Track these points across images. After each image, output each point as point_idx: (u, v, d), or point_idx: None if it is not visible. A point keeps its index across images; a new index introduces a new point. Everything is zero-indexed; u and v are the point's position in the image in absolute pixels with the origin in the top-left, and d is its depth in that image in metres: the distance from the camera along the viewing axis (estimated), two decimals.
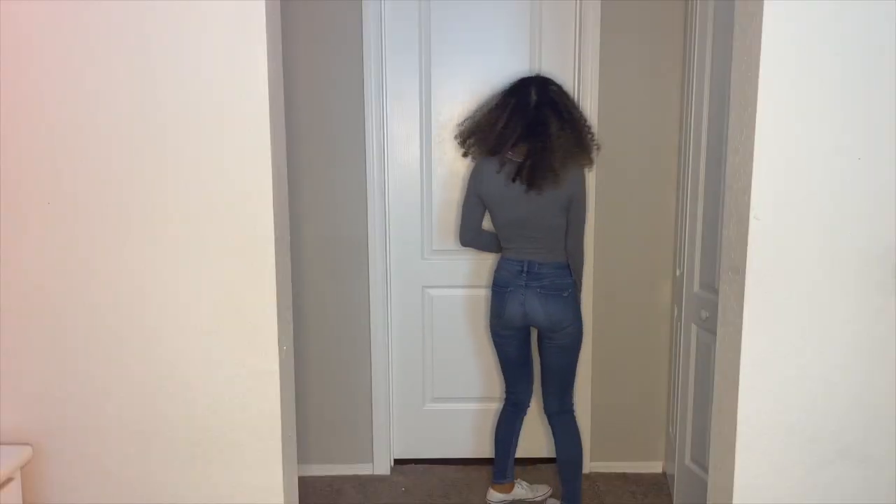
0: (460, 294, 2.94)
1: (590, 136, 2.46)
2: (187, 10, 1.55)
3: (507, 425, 2.67)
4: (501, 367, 2.66)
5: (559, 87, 2.43)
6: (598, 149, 2.53)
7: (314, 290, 2.88)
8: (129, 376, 1.69)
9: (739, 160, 1.55)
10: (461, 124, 2.57)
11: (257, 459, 1.71)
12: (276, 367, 1.67)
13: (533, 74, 2.51)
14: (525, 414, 2.67)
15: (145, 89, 1.58)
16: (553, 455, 2.64)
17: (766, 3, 1.43)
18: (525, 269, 2.42)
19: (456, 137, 2.61)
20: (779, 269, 1.52)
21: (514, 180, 2.34)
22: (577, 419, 2.58)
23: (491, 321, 2.56)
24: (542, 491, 2.79)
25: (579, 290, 2.49)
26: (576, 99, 2.79)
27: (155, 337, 1.67)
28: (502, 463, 2.69)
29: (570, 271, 2.43)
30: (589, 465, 3.00)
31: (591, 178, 2.80)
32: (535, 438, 2.97)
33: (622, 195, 2.83)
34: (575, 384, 2.56)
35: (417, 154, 2.88)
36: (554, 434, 2.57)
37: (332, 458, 3.00)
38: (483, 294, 2.86)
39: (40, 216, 1.63)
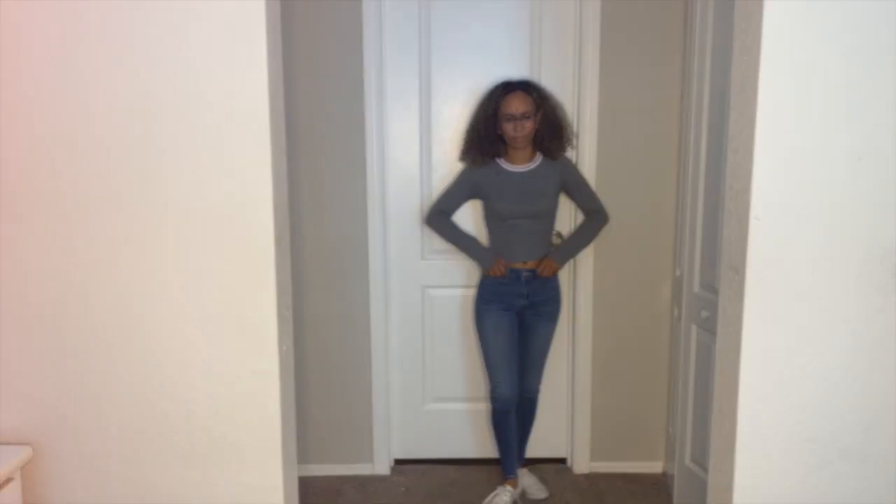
0: (460, 294, 2.94)
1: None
2: (188, 10, 1.55)
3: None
4: None
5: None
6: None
7: (314, 290, 2.88)
8: (128, 376, 1.69)
9: (739, 160, 1.55)
10: None
11: (257, 460, 1.71)
12: (276, 367, 1.67)
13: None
14: None
15: (145, 89, 1.58)
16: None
17: (766, 2, 1.43)
18: None
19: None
20: (779, 269, 1.52)
21: None
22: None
23: None
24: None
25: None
26: (576, 99, 2.81)
27: (155, 337, 1.67)
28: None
29: None
30: (589, 465, 3.00)
31: (590, 177, 2.81)
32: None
33: (622, 195, 2.83)
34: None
35: (417, 154, 2.88)
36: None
37: (332, 458, 3.00)
38: None
39: (40, 216, 1.63)
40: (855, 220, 1.50)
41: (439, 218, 2.75)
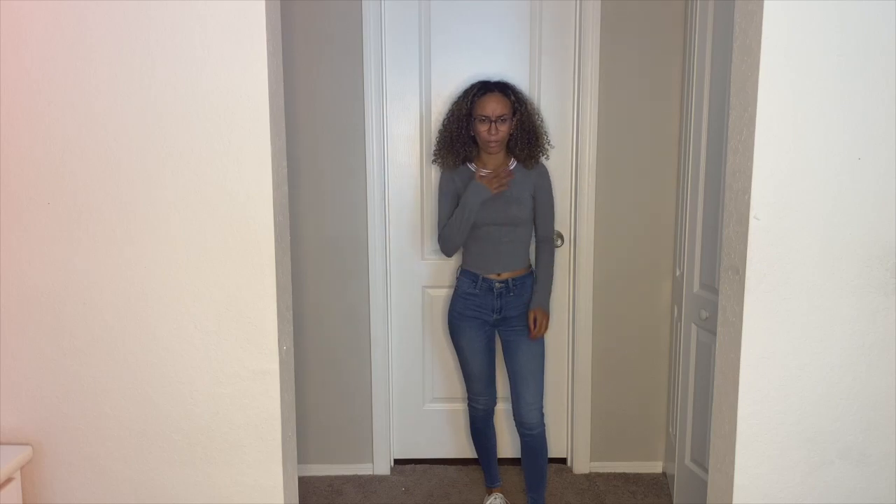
0: None
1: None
2: (188, 9, 1.55)
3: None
4: None
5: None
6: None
7: (314, 290, 2.88)
8: (129, 376, 1.69)
9: (739, 160, 1.55)
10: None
11: (257, 459, 1.71)
12: (276, 367, 1.67)
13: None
14: None
15: (145, 89, 1.58)
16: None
17: (766, 2, 1.43)
18: None
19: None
20: (779, 269, 1.52)
21: None
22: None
23: None
24: None
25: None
26: (576, 99, 2.81)
27: (155, 337, 1.67)
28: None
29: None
30: (589, 465, 3.00)
31: (590, 177, 2.81)
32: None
33: (622, 195, 2.83)
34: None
35: (417, 154, 2.88)
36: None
37: (332, 458, 3.00)
38: None
39: (40, 216, 1.63)
40: (855, 220, 1.50)
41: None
